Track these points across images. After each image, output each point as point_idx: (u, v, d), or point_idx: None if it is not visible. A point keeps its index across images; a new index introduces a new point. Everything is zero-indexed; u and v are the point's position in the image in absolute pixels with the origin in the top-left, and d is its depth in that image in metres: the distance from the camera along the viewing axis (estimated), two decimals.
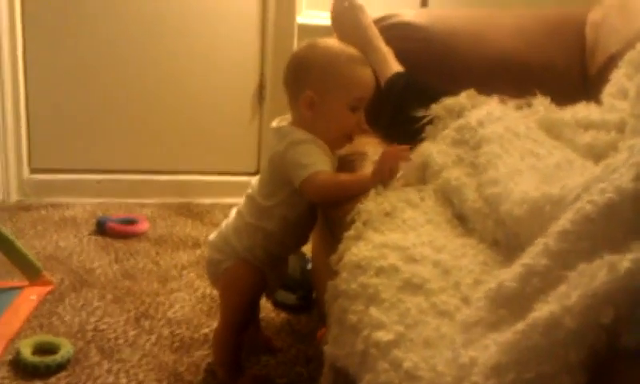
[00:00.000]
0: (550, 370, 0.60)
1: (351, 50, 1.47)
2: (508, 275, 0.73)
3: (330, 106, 1.42)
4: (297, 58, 1.49)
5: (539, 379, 0.60)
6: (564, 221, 0.70)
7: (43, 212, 2.49)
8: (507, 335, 0.64)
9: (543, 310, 0.62)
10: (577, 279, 0.62)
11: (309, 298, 1.91)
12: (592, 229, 0.67)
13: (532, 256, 0.71)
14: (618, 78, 1.52)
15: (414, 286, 0.90)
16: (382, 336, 0.84)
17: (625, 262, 0.59)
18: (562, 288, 0.63)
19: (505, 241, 1.02)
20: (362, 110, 1.46)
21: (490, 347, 0.66)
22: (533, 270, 0.70)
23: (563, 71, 1.85)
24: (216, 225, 1.58)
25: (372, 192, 1.21)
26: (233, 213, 1.55)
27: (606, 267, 0.60)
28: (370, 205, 1.17)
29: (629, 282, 0.58)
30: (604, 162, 0.77)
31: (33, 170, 2.65)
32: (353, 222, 1.15)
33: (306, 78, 1.44)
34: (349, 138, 1.47)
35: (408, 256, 0.97)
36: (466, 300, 0.85)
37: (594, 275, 0.60)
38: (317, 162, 1.36)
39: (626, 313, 0.58)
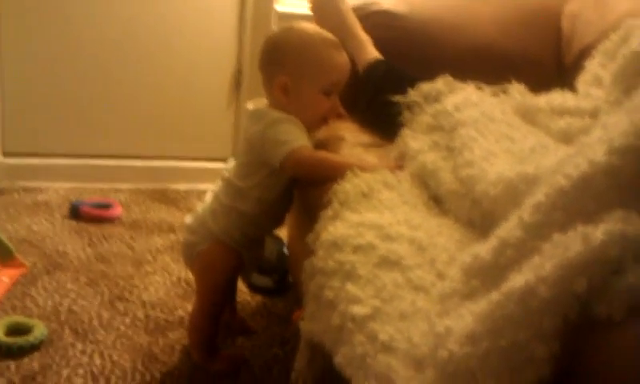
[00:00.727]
0: (524, 338, 0.61)
1: (326, 35, 1.46)
2: (483, 248, 0.74)
3: (304, 90, 1.42)
4: (272, 41, 1.49)
5: (513, 347, 0.61)
6: (539, 194, 0.72)
7: (16, 196, 2.46)
8: (482, 305, 0.65)
9: (518, 280, 0.63)
10: (551, 250, 0.63)
11: (285, 282, 1.92)
12: (566, 201, 0.68)
13: (506, 229, 0.73)
14: (593, 66, 1.55)
15: (390, 263, 0.91)
16: (359, 310, 0.85)
17: (598, 233, 0.60)
18: (537, 259, 0.64)
19: (480, 221, 1.04)
20: (337, 95, 1.46)
21: (465, 317, 0.67)
22: (507, 242, 0.71)
23: (539, 60, 1.87)
24: (191, 210, 1.58)
25: (349, 173, 1.22)
26: (208, 195, 1.55)
27: (579, 238, 0.61)
28: (347, 186, 1.18)
29: (602, 252, 0.60)
30: (579, 140, 0.79)
31: (5, 154, 2.62)
32: (330, 202, 1.16)
33: (280, 62, 1.44)
34: (324, 121, 1.47)
35: (384, 234, 0.98)
36: (441, 276, 0.86)
37: (568, 246, 0.62)
38: (297, 138, 1.36)
39: (598, 283, 0.60)
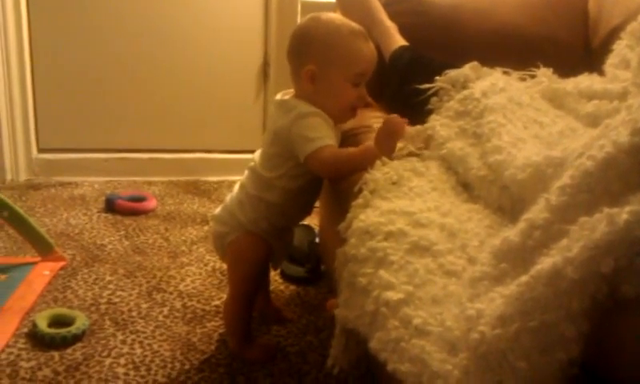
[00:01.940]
0: (554, 318, 0.63)
1: (353, 25, 1.46)
2: (512, 231, 0.76)
3: (330, 80, 1.43)
4: (299, 30, 1.50)
5: (543, 328, 0.63)
6: (565, 177, 0.73)
7: (52, 190, 2.53)
8: (512, 287, 0.67)
9: (546, 262, 0.65)
10: (578, 232, 0.65)
11: (317, 271, 1.95)
12: (590, 182, 0.70)
13: (534, 211, 0.75)
14: (620, 48, 1.55)
15: (421, 248, 0.93)
16: (392, 295, 0.87)
17: (623, 214, 0.62)
18: (564, 241, 0.66)
19: (509, 207, 1.05)
20: (364, 85, 1.46)
21: (496, 299, 0.69)
22: (534, 224, 0.73)
23: (566, 44, 1.87)
24: (223, 202, 1.61)
25: (378, 162, 1.23)
26: (236, 186, 1.58)
27: (605, 220, 0.63)
28: (377, 174, 1.19)
29: (627, 233, 0.61)
30: (604, 123, 0.80)
31: (41, 150, 2.69)
32: (360, 191, 1.18)
33: (307, 52, 1.45)
34: (352, 112, 1.48)
35: (415, 221, 1.00)
36: (472, 261, 0.88)
37: (594, 228, 0.63)
38: (323, 136, 1.38)
39: (625, 263, 0.61)
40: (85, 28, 2.62)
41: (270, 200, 1.49)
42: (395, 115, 1.33)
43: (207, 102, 2.78)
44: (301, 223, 1.74)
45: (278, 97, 1.51)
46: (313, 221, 2.01)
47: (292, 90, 1.50)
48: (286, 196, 1.49)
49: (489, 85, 1.34)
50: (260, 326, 1.68)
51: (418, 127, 1.34)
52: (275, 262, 1.65)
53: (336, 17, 1.50)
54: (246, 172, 1.55)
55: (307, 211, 1.60)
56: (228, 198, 1.58)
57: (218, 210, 1.59)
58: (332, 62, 1.42)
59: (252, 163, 1.54)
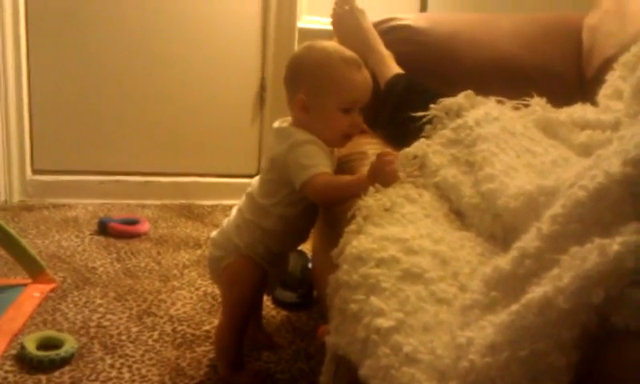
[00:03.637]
0: (544, 348, 0.62)
1: (347, 53, 1.46)
2: (503, 259, 0.76)
3: (322, 108, 1.43)
4: (293, 59, 1.51)
5: (533, 357, 0.62)
6: (556, 206, 0.73)
7: (45, 212, 2.52)
8: (503, 316, 0.67)
9: (537, 291, 0.65)
10: (569, 262, 0.65)
11: (309, 297, 1.94)
12: (582, 212, 0.70)
13: (525, 240, 0.75)
14: (614, 79, 1.56)
15: (413, 276, 0.92)
16: (383, 323, 0.86)
17: (614, 245, 0.62)
18: (555, 270, 0.66)
19: (502, 235, 1.05)
20: (358, 112, 1.46)
21: (486, 328, 0.69)
22: (526, 253, 0.73)
23: (560, 74, 1.89)
24: (217, 226, 1.61)
25: (371, 189, 1.23)
26: (234, 211, 1.58)
27: (596, 250, 0.62)
28: (370, 201, 1.19)
29: (618, 264, 0.61)
30: (596, 153, 0.80)
31: (35, 171, 2.68)
32: (353, 217, 1.18)
33: (299, 80, 1.46)
34: (347, 138, 1.48)
35: (407, 248, 0.99)
36: (463, 288, 0.88)
37: (585, 258, 0.63)
38: (318, 163, 1.38)
39: (615, 294, 0.61)
40: (81, 50, 2.63)
41: (266, 226, 1.49)
42: (385, 152, 1.33)
43: (203, 126, 2.79)
44: None
45: (276, 124, 1.52)
46: (306, 246, 2.01)
47: (289, 118, 1.51)
48: (282, 223, 1.49)
49: (482, 114, 1.34)
50: (251, 351, 1.66)
51: (407, 152, 1.32)
52: (269, 287, 1.64)
53: (330, 45, 1.50)
54: (244, 197, 1.55)
55: (303, 238, 1.60)
56: (225, 221, 1.58)
57: (214, 234, 1.59)
58: (322, 91, 1.43)
59: (249, 189, 1.54)
